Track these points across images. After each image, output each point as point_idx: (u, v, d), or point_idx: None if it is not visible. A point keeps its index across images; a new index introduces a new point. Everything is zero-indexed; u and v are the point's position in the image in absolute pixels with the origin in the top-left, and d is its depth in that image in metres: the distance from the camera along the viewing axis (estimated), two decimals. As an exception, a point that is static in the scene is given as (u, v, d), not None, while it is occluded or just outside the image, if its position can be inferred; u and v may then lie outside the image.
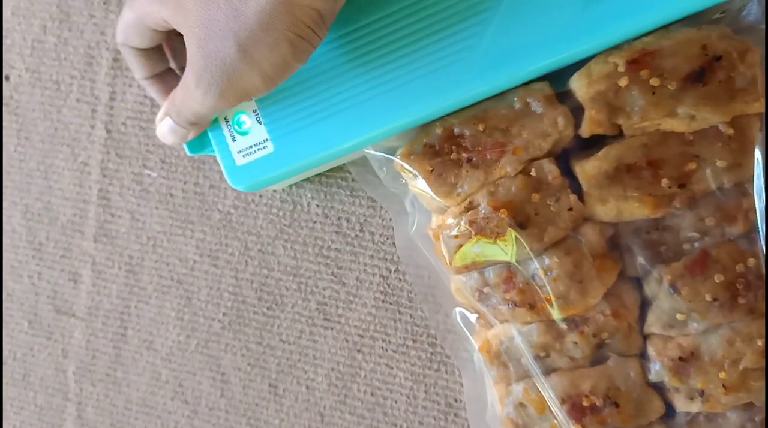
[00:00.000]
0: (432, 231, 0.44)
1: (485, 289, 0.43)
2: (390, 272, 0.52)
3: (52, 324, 0.58)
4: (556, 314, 0.42)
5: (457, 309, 0.47)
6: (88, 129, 0.57)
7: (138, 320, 0.57)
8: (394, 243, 0.52)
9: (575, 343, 0.43)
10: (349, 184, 0.53)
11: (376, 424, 0.52)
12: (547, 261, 0.42)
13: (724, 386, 0.41)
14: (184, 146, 0.47)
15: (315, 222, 0.53)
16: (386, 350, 0.52)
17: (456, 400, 0.51)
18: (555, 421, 0.44)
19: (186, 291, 0.56)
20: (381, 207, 0.52)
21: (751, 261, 0.40)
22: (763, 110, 0.40)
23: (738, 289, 0.40)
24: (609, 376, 0.43)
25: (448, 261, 0.43)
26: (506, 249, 0.41)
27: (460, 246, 0.42)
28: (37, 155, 0.57)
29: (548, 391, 0.43)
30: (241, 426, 0.55)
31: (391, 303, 0.52)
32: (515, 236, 0.41)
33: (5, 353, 0.58)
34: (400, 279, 0.52)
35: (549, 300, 0.42)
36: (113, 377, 0.57)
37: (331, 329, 0.53)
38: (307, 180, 0.53)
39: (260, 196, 0.54)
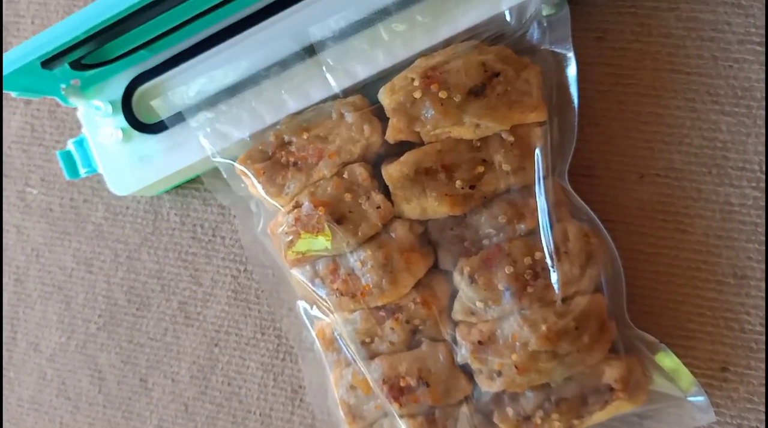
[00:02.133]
0: (270, 229, 0.43)
1: (316, 280, 0.42)
2: (240, 272, 0.50)
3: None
4: (373, 302, 0.40)
5: (299, 302, 0.45)
6: (-22, 152, 0.54)
7: (25, 324, 0.53)
8: (242, 246, 0.49)
9: (392, 329, 0.41)
10: (201, 193, 0.50)
11: (233, 412, 0.50)
12: (363, 254, 0.40)
13: (516, 367, 0.39)
14: (63, 170, 0.45)
15: (174, 229, 0.51)
16: (239, 343, 0.50)
17: (300, 386, 0.49)
18: (379, 401, 0.42)
19: (66, 296, 0.52)
20: (230, 213, 0.50)
21: (538, 255, 0.39)
22: (540, 119, 0.39)
23: (527, 279, 0.39)
24: (422, 359, 0.41)
25: (283, 256, 0.42)
26: (327, 243, 0.40)
27: (291, 242, 0.41)
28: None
29: (372, 374, 0.41)
30: (117, 419, 0.51)
31: (241, 301, 0.50)
32: (333, 231, 0.40)
33: None
34: (248, 278, 0.50)
35: (367, 289, 0.40)
36: (7, 377, 0.53)
37: (192, 326, 0.50)
38: (166, 191, 0.51)
39: (127, 208, 0.51)
